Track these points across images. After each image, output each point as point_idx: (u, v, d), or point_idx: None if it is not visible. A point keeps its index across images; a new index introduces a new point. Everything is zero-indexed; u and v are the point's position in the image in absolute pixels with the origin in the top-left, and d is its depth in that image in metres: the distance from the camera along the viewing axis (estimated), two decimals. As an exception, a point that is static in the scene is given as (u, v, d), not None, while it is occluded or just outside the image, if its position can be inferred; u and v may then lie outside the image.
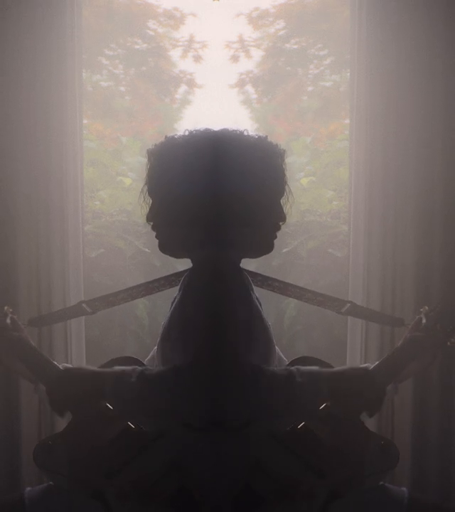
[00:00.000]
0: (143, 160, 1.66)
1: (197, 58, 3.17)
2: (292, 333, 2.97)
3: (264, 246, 1.64)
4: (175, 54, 3.20)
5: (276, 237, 1.64)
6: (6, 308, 1.81)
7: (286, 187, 1.63)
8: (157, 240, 1.65)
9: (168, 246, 1.65)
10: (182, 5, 3.13)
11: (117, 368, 1.61)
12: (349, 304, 1.97)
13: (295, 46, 3.15)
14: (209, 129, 1.61)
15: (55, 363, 1.71)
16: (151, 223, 1.64)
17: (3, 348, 1.72)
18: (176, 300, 1.61)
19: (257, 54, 3.18)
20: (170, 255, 1.67)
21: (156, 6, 3.15)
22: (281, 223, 1.64)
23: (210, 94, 3.14)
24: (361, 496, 1.58)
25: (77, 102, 2.49)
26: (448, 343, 1.82)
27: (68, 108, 2.45)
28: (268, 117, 3.17)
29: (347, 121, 2.76)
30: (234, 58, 3.16)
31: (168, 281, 1.87)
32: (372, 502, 1.60)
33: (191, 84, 3.20)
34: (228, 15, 3.06)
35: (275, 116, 3.15)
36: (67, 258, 2.47)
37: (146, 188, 1.64)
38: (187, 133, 1.61)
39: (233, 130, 1.61)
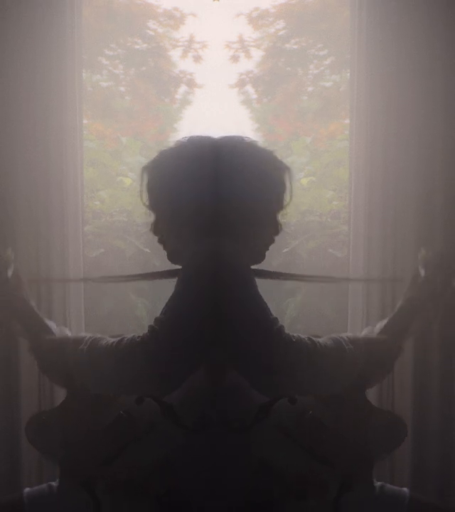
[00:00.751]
0: (144, 160, 1.65)
1: (197, 58, 3.16)
2: (292, 333, 2.96)
3: (256, 257, 1.64)
4: (175, 54, 3.19)
5: (268, 249, 1.65)
6: (8, 252, 1.67)
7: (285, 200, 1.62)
8: (165, 251, 1.64)
9: (178, 256, 1.62)
10: (182, 5, 3.13)
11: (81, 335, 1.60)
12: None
13: (295, 46, 3.14)
14: (208, 137, 1.60)
15: (53, 325, 1.68)
16: (159, 236, 1.63)
17: (1, 306, 1.63)
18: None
19: (257, 54, 3.17)
20: (181, 265, 1.62)
21: (156, 6, 3.15)
22: (274, 236, 1.65)
23: (210, 95, 3.13)
24: (370, 492, 1.58)
25: (77, 102, 2.48)
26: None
27: (68, 108, 2.45)
28: (268, 117, 3.17)
29: (347, 121, 2.75)
30: (234, 58, 3.15)
31: (171, 274, 1.84)
32: (374, 502, 1.60)
33: (191, 84, 3.19)
34: (228, 15, 3.06)
35: (275, 116, 3.14)
36: (67, 260, 2.46)
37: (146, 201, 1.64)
38: (181, 142, 1.60)
39: (235, 139, 1.61)
